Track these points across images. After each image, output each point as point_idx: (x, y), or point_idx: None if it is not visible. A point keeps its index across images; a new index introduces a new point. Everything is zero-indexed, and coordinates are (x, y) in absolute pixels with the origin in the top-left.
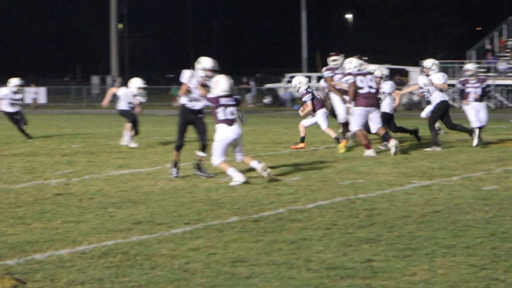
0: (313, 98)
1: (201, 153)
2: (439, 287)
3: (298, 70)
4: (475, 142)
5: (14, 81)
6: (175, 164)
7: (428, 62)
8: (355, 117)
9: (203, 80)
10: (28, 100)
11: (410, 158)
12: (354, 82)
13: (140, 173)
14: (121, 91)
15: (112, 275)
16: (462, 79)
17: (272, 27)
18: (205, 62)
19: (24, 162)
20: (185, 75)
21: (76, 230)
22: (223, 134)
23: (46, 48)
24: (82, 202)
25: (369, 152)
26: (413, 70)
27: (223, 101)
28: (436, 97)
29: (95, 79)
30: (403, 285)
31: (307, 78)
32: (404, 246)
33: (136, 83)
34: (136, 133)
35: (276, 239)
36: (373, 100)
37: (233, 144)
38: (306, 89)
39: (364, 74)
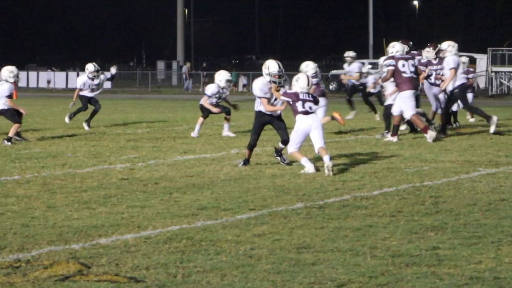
0: (316, 85)
1: (281, 145)
2: (505, 275)
3: (365, 56)
4: (433, 135)
5: (90, 68)
6: (246, 161)
7: (444, 44)
8: (406, 102)
9: (272, 85)
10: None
11: (476, 145)
12: (393, 70)
13: (205, 158)
14: (210, 89)
15: (177, 260)
16: None
17: (338, 13)
18: (272, 68)
19: (89, 146)
20: (258, 90)
21: (141, 215)
22: (300, 124)
23: (112, 33)
24: (147, 187)
25: (430, 135)
26: (480, 57)
27: (301, 96)
28: (453, 82)
29: (160, 64)
30: (469, 273)
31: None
32: (470, 234)
33: (225, 75)
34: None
35: (341, 225)
36: (416, 84)
37: (312, 135)
38: (314, 73)
39: (407, 59)
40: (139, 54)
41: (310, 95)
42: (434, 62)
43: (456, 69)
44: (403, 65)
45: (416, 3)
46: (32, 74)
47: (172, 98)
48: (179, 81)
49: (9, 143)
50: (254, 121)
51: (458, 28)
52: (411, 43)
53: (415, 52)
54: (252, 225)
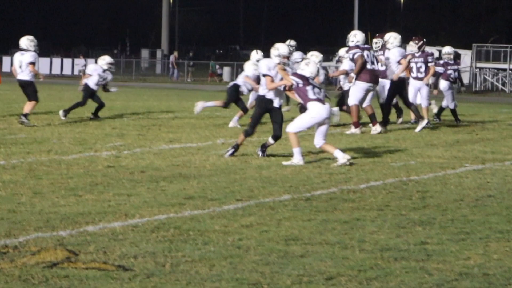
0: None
1: (271, 141)
2: (494, 272)
3: None
4: (357, 132)
5: (107, 59)
6: (236, 147)
7: (387, 35)
8: (357, 91)
9: (278, 65)
10: (76, 71)
11: (462, 141)
12: (362, 55)
13: (191, 147)
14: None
15: (165, 249)
16: None
17: (323, 5)
18: (282, 49)
19: (74, 133)
20: (264, 67)
21: (128, 203)
22: (317, 111)
23: (96, 20)
24: (134, 175)
25: (355, 131)
26: (464, 53)
27: (310, 80)
28: (392, 74)
29: (144, 53)
30: (458, 269)
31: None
32: (458, 229)
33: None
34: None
35: (328, 218)
36: (375, 76)
37: (320, 126)
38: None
39: (368, 49)
40: (123, 41)
41: (316, 83)
42: (417, 55)
43: (405, 58)
44: (367, 56)
45: None
46: None
47: (156, 86)
48: (163, 69)
49: (26, 120)
50: (255, 108)
51: (443, 23)
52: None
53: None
54: (239, 216)
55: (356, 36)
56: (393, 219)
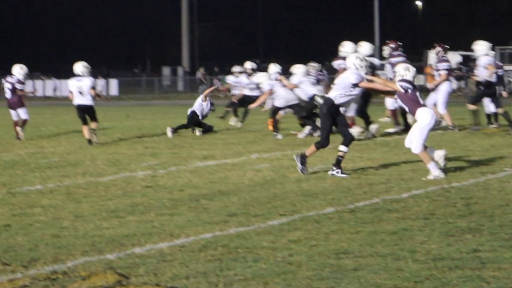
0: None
1: (345, 148)
2: None
3: None
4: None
5: (209, 100)
6: (304, 160)
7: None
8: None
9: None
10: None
11: (498, 145)
12: (345, 68)
13: (226, 164)
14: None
15: (216, 268)
16: None
17: (342, 16)
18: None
19: (107, 154)
20: (355, 77)
21: (171, 223)
22: (429, 118)
23: (115, 40)
24: (173, 194)
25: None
26: None
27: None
28: None
29: (166, 70)
30: None
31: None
32: (508, 235)
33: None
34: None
35: (376, 230)
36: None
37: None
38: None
39: None
40: (143, 60)
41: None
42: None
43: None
44: None
45: (419, 3)
46: (38, 83)
47: (179, 104)
48: (185, 86)
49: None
50: (322, 117)
51: (461, 27)
52: (400, 43)
53: (399, 53)
54: (285, 231)
55: (344, 47)
56: (441, 228)
